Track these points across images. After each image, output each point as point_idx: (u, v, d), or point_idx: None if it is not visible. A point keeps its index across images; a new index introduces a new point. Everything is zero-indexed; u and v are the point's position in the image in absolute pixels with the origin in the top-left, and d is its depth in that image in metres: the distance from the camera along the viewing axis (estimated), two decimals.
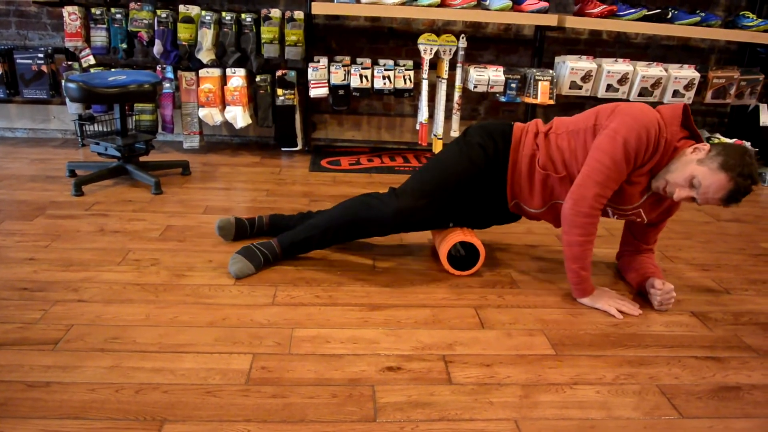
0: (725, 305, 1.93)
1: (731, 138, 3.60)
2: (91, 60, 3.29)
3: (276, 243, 2.01)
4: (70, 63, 3.30)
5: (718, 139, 3.57)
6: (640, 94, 3.47)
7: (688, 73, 3.47)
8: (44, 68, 3.29)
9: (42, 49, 3.31)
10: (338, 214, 1.98)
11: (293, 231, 2.03)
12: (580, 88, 3.45)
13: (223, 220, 2.17)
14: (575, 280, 1.85)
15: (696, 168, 1.70)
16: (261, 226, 2.22)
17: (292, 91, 3.40)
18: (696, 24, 3.47)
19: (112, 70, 3.18)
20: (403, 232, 2.02)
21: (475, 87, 3.39)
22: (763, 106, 3.74)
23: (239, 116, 3.33)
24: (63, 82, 2.97)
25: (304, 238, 2.01)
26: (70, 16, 3.20)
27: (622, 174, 1.76)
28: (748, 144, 3.52)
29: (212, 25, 3.23)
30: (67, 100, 3.39)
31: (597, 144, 1.77)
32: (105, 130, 2.97)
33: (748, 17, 3.58)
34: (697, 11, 3.52)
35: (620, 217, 1.95)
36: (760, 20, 3.54)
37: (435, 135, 3.59)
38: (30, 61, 3.28)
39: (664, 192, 1.78)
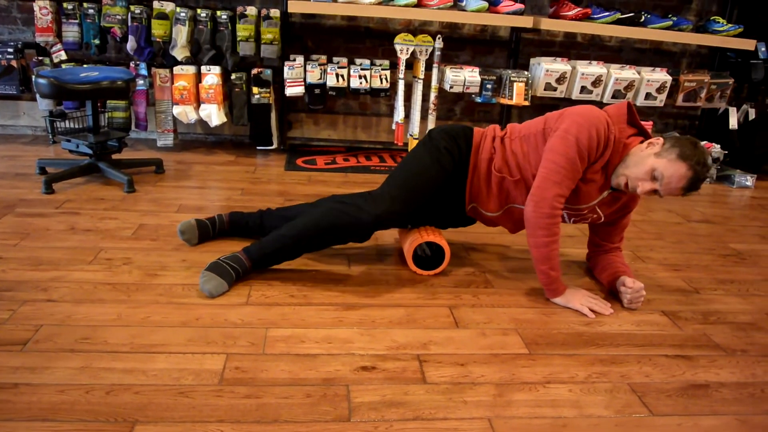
0: (695, 305, 1.97)
1: (702, 140, 3.66)
2: (63, 55, 3.24)
3: (244, 256, 1.89)
4: (40, 58, 3.24)
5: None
6: (613, 96, 3.52)
7: (660, 76, 3.53)
8: (14, 63, 3.22)
9: (12, 43, 3.24)
10: (312, 224, 1.89)
11: (261, 243, 1.91)
12: (555, 89, 3.48)
13: (184, 223, 2.12)
14: (546, 281, 1.87)
15: (655, 161, 1.75)
16: (222, 225, 2.19)
17: (268, 90, 3.38)
18: (668, 28, 3.53)
19: (84, 66, 3.13)
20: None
21: (451, 87, 3.41)
22: (732, 110, 3.82)
23: (214, 114, 3.31)
24: (33, 77, 2.91)
25: (275, 250, 1.90)
26: (41, 10, 3.14)
27: (578, 172, 1.79)
28: (718, 147, 3.59)
29: (187, 22, 3.20)
30: (37, 96, 3.33)
31: (550, 146, 1.81)
32: (77, 127, 2.92)
33: (719, 22, 3.65)
34: (669, 15, 3.58)
35: (577, 221, 1.99)
36: (730, 25, 3.61)
37: (411, 135, 3.59)
38: None
39: (626, 188, 1.81)
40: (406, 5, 3.25)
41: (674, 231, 2.69)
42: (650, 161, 1.76)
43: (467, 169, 1.99)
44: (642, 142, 1.83)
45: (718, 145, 3.60)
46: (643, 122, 3.38)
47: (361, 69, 3.40)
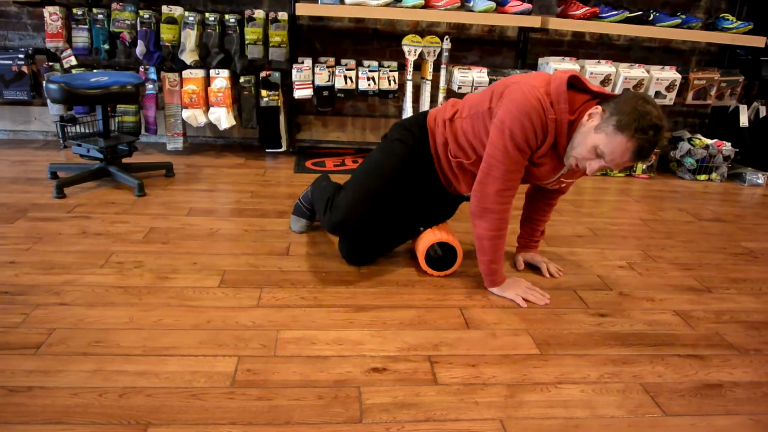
0: (707, 304, 1.95)
1: (712, 139, 3.64)
2: (73, 61, 3.26)
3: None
4: (51, 64, 3.26)
5: (700, 140, 3.61)
6: None
7: (670, 74, 3.51)
8: (25, 69, 3.25)
9: (22, 49, 3.27)
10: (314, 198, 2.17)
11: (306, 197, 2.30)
12: None
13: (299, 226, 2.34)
14: (485, 271, 1.90)
15: (595, 137, 1.65)
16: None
17: (277, 93, 3.39)
18: (677, 26, 3.50)
19: (94, 71, 3.15)
20: (371, 238, 2.06)
21: (459, 88, 3.40)
22: (742, 107, 3.79)
23: (223, 117, 3.32)
24: (44, 83, 2.93)
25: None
26: (51, 16, 3.16)
27: (519, 163, 1.76)
28: (729, 145, 3.56)
29: (196, 26, 3.21)
30: (48, 101, 3.35)
31: (490, 138, 1.77)
32: (87, 131, 2.94)
33: (728, 19, 3.62)
34: (678, 13, 3.56)
35: (554, 187, 1.99)
36: (740, 22, 3.59)
37: None
38: (10, 62, 3.24)
39: (578, 168, 1.77)
40: (413, 6, 3.25)
41: (685, 230, 2.68)
42: (591, 138, 1.65)
43: (430, 154, 1.99)
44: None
45: (729, 143, 3.58)
46: None
47: (369, 71, 3.40)
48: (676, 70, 3.54)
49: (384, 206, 2.00)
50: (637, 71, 3.47)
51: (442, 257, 2.08)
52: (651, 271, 2.18)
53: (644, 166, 3.54)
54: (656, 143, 1.61)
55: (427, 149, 2.00)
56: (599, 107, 1.67)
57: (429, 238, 2.01)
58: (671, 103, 3.59)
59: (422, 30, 3.72)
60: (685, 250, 2.43)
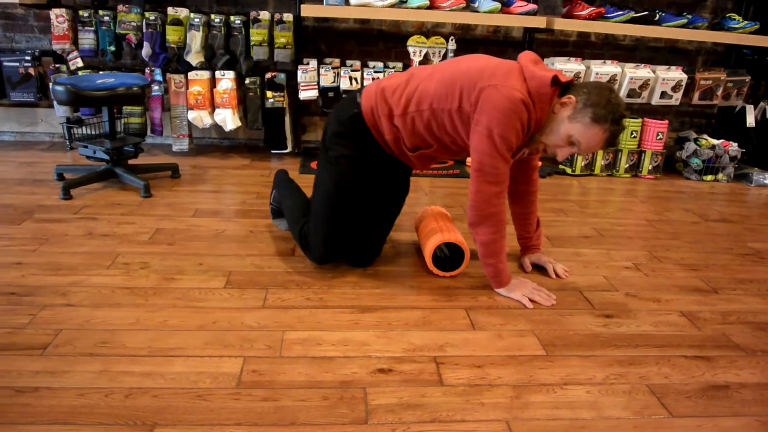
0: (713, 305, 1.95)
1: (718, 139, 3.63)
2: (79, 63, 3.27)
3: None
4: (57, 66, 3.28)
5: (706, 140, 3.60)
6: (628, 95, 3.50)
7: (676, 74, 3.50)
8: (31, 71, 3.27)
9: (29, 51, 3.29)
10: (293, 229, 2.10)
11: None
12: None
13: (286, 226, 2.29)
14: (493, 273, 1.89)
15: (570, 126, 1.72)
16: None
17: (282, 94, 3.39)
18: (683, 26, 3.50)
19: (100, 72, 3.16)
20: (361, 244, 2.06)
21: None
22: (749, 107, 3.78)
23: (229, 119, 3.33)
24: (51, 84, 2.95)
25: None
26: (58, 18, 3.18)
27: (509, 162, 1.78)
28: (735, 145, 3.55)
29: (201, 28, 3.22)
30: (54, 103, 3.37)
31: (476, 146, 1.74)
32: (93, 133, 2.96)
33: (735, 19, 3.61)
34: (684, 13, 3.55)
35: None
36: (746, 22, 3.58)
37: None
38: (17, 64, 3.26)
39: (545, 151, 1.81)
40: (418, 7, 3.25)
41: (691, 230, 2.67)
42: (565, 127, 1.73)
43: (379, 147, 1.97)
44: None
45: (736, 144, 3.56)
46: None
47: (375, 71, 3.41)
48: (682, 70, 3.53)
49: (357, 219, 2.01)
50: (643, 71, 3.47)
51: (449, 258, 2.08)
52: (657, 272, 2.17)
53: (650, 167, 3.53)
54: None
55: (375, 145, 1.96)
56: (572, 97, 1.72)
57: (436, 238, 2.01)
58: (677, 103, 3.58)
59: (427, 31, 3.73)
60: (692, 250, 2.42)
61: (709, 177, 3.60)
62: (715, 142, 3.57)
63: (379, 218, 2.11)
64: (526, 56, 1.80)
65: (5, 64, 3.26)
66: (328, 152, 1.98)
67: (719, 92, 3.61)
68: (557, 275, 2.07)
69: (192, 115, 3.32)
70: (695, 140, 3.62)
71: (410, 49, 3.36)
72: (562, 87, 1.77)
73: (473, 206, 1.81)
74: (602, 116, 1.68)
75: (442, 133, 1.86)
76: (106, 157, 2.75)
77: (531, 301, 1.87)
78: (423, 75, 1.88)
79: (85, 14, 3.22)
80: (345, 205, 1.96)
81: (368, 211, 2.06)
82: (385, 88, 1.92)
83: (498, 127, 1.69)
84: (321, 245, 1.97)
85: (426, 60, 3.44)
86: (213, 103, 3.35)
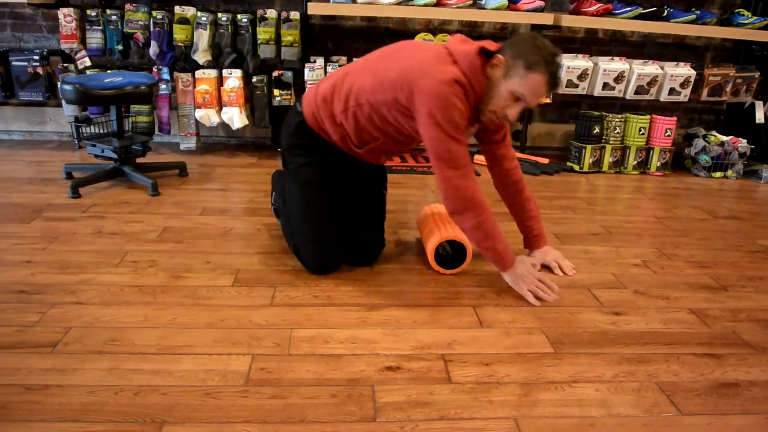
0: (723, 302, 1.94)
1: (727, 136, 3.60)
2: (87, 62, 3.28)
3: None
4: (65, 65, 3.29)
5: (715, 137, 3.58)
6: (636, 92, 3.48)
7: (684, 70, 3.48)
8: (40, 70, 3.28)
9: (37, 51, 3.30)
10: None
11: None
12: (577, 86, 3.46)
13: None
14: (493, 257, 1.86)
15: (508, 84, 1.72)
16: None
17: (289, 92, 3.40)
18: (691, 22, 3.48)
19: (108, 71, 3.17)
20: (354, 243, 2.05)
21: None
22: (758, 104, 3.75)
23: (236, 117, 3.33)
24: (59, 84, 2.96)
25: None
26: (66, 17, 3.19)
27: (463, 143, 1.77)
28: (744, 142, 3.53)
29: (208, 26, 3.23)
30: (63, 102, 3.38)
31: (425, 136, 1.76)
32: (101, 131, 2.97)
33: (743, 15, 3.59)
34: (693, 9, 3.53)
35: None
36: (755, 18, 3.55)
37: None
38: (25, 64, 3.27)
39: (500, 120, 1.80)
40: (425, 5, 3.24)
41: (700, 227, 2.65)
42: (503, 87, 1.72)
43: (335, 147, 1.99)
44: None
45: (745, 140, 3.54)
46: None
47: None
48: (691, 67, 3.51)
49: (339, 221, 2.01)
50: (651, 68, 3.45)
51: (451, 255, 2.08)
52: (666, 269, 2.16)
53: (659, 164, 3.51)
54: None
55: (327, 146, 1.99)
56: (499, 57, 1.73)
57: (438, 236, 2.00)
58: (686, 99, 3.56)
59: (434, 28, 3.72)
60: (701, 248, 2.41)
61: (718, 174, 3.58)
62: (724, 138, 3.55)
63: (364, 216, 2.09)
64: (454, 39, 1.82)
65: (14, 63, 3.27)
66: (288, 167, 2.03)
67: (728, 88, 3.59)
68: (563, 273, 2.07)
69: (199, 113, 3.33)
70: (704, 137, 3.60)
71: None
72: (491, 54, 1.77)
73: (445, 196, 1.81)
74: (535, 62, 1.68)
75: (385, 125, 1.87)
76: (114, 155, 2.76)
77: (536, 297, 1.86)
78: (357, 70, 1.89)
79: (93, 13, 3.23)
80: (320, 211, 1.95)
81: (348, 210, 2.06)
82: (323, 90, 1.94)
83: (440, 112, 1.70)
84: (313, 258, 1.95)
85: None
86: (220, 101, 3.36)
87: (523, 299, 1.86)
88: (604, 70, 3.41)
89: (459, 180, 1.77)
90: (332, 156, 2.01)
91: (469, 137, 1.87)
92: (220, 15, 3.25)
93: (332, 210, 1.99)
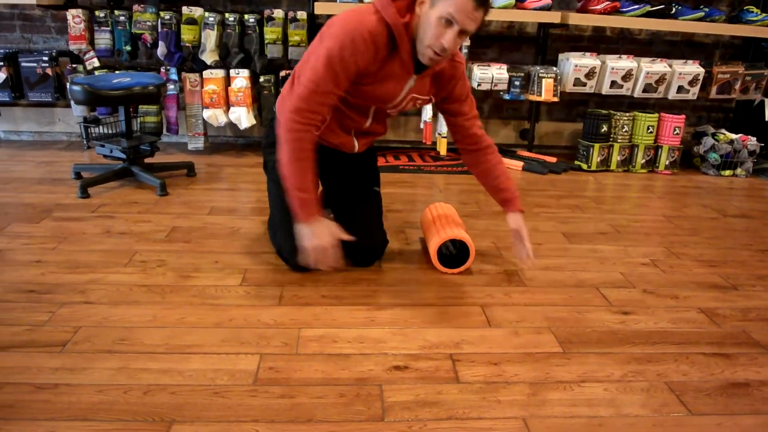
0: (733, 301, 1.92)
1: (736, 134, 3.58)
2: (96, 62, 3.30)
3: None
4: (74, 66, 3.30)
5: (724, 135, 3.55)
6: (644, 90, 3.46)
7: (693, 68, 3.46)
8: (49, 71, 3.30)
9: (46, 52, 3.32)
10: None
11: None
12: (584, 84, 3.44)
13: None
14: (294, 201, 1.76)
15: (434, 11, 1.63)
16: None
17: None
18: (700, 19, 3.46)
19: (117, 72, 3.18)
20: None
21: (479, 85, 3.39)
22: None
23: (243, 117, 3.34)
24: (68, 84, 2.97)
25: None
26: (74, 19, 3.21)
27: (330, 86, 1.71)
28: (754, 139, 3.50)
29: (216, 27, 3.23)
30: (71, 102, 3.40)
31: (307, 52, 1.79)
32: (110, 132, 2.98)
33: (753, 12, 3.56)
34: (701, 6, 3.51)
35: (395, 112, 1.96)
36: (765, 14, 3.53)
37: (439, 134, 3.59)
38: (35, 65, 3.29)
39: (439, 55, 1.70)
40: None
41: (709, 226, 2.64)
42: (431, 15, 1.64)
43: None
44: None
45: (754, 138, 3.52)
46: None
47: None
48: (699, 64, 3.49)
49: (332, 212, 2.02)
50: (659, 66, 3.43)
51: (454, 255, 2.07)
52: (675, 268, 2.15)
53: (667, 162, 3.50)
54: None
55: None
56: None
57: (441, 235, 2.00)
58: (694, 97, 3.54)
59: None
60: (710, 246, 2.39)
61: (728, 172, 3.56)
62: (733, 136, 3.53)
63: (356, 215, 2.06)
64: None
65: (23, 64, 3.29)
66: (267, 166, 2.04)
67: (737, 86, 3.57)
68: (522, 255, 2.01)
69: (207, 113, 3.34)
70: (713, 135, 3.58)
71: None
72: None
73: (278, 112, 1.83)
74: None
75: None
76: (123, 155, 2.77)
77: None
78: (306, 60, 1.85)
79: (101, 14, 3.24)
80: None
81: (339, 210, 2.07)
82: (290, 84, 1.94)
83: (330, 41, 1.68)
84: (292, 254, 1.92)
85: None
86: (228, 101, 3.37)
87: (533, 300, 1.86)
88: (612, 69, 3.40)
89: (291, 113, 1.71)
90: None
91: (402, 93, 1.84)
92: (227, 15, 3.26)
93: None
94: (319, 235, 1.78)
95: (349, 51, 1.68)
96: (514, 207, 2.03)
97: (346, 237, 1.84)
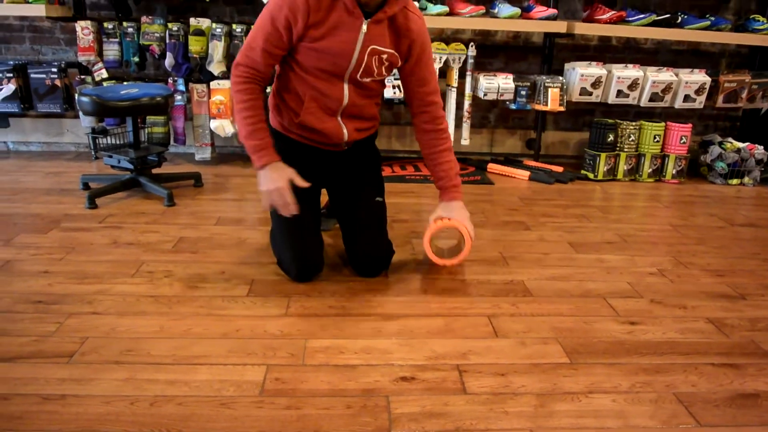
0: (741, 311, 1.91)
1: (743, 142, 3.57)
2: (104, 73, 3.32)
3: None
4: (83, 77, 3.33)
5: (731, 143, 3.54)
6: (650, 99, 3.46)
7: (699, 77, 3.46)
8: (58, 82, 3.33)
9: (55, 63, 3.35)
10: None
11: None
12: (591, 94, 3.45)
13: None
14: (249, 151, 1.86)
15: None
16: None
17: None
18: (706, 28, 3.46)
19: (125, 83, 3.21)
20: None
21: (485, 95, 3.40)
22: None
23: None
24: (76, 95, 3.00)
25: None
26: (83, 30, 3.24)
27: (271, 41, 1.80)
28: (761, 148, 3.49)
29: (223, 38, 3.25)
30: (80, 113, 3.42)
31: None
32: (118, 142, 3.00)
33: (759, 20, 3.56)
34: (707, 15, 3.51)
35: (368, 77, 1.93)
36: None
37: None
38: (44, 76, 3.32)
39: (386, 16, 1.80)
40: (438, 14, 3.25)
41: (717, 235, 2.63)
42: None
43: (303, 144, 2.00)
44: None
45: (762, 147, 3.51)
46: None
47: (395, 79, 3.41)
48: (706, 73, 3.49)
49: (316, 227, 2.03)
50: (666, 75, 3.43)
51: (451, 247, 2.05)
52: (683, 278, 2.14)
53: (674, 171, 3.49)
54: None
55: (294, 145, 1.99)
56: None
57: (432, 228, 1.97)
58: (701, 106, 3.54)
59: (447, 37, 3.73)
60: (718, 256, 2.38)
61: (735, 181, 3.54)
62: (740, 145, 3.52)
63: (359, 225, 2.05)
64: None
65: (32, 76, 3.32)
66: None
67: (744, 95, 3.56)
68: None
69: (214, 124, 3.36)
70: (720, 143, 3.57)
71: None
72: None
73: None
74: None
75: (285, 62, 1.92)
76: (131, 166, 2.79)
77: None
78: None
79: (110, 26, 3.27)
80: (294, 220, 1.91)
81: (342, 220, 2.08)
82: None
83: (270, 3, 1.79)
84: (293, 266, 1.95)
85: (446, 66, 3.44)
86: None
87: (540, 310, 1.86)
88: (618, 78, 3.40)
89: (235, 67, 1.84)
90: (302, 157, 2.00)
91: (358, 43, 1.83)
92: (234, 26, 3.28)
93: (306, 218, 1.96)
94: (273, 178, 1.83)
95: (287, 6, 1.75)
96: (446, 196, 2.03)
97: (300, 181, 1.87)
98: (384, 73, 1.93)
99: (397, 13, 1.85)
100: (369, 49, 1.85)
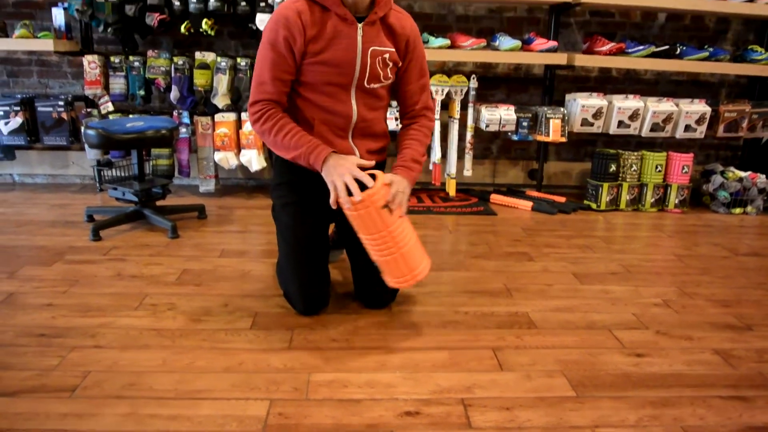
0: (748, 342, 1.90)
1: (745, 171, 3.58)
2: (110, 107, 3.36)
3: None
4: (89, 110, 3.37)
5: (733, 173, 3.55)
6: (651, 130, 3.48)
7: (699, 107, 3.48)
8: (64, 115, 3.36)
9: (62, 96, 3.39)
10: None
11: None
12: (592, 124, 3.47)
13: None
14: (304, 162, 1.83)
15: None
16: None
17: None
18: (705, 59, 3.50)
19: (130, 116, 3.24)
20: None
21: (487, 126, 3.42)
22: None
23: (254, 159, 3.37)
24: (82, 128, 3.03)
25: None
26: (90, 64, 3.28)
27: (279, 67, 1.82)
28: (763, 177, 3.50)
29: (227, 71, 3.30)
30: (85, 146, 3.45)
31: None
32: (123, 175, 3.02)
33: (757, 51, 3.60)
34: (706, 46, 3.55)
35: (376, 83, 1.93)
36: None
37: (448, 175, 3.61)
38: (50, 109, 3.36)
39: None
40: (440, 47, 3.29)
41: (722, 265, 2.62)
42: None
43: (312, 174, 1.91)
44: None
45: (764, 176, 3.51)
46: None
47: (396, 109, 3.44)
48: (706, 103, 3.51)
49: (323, 262, 2.01)
50: (666, 105, 3.46)
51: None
52: (688, 309, 2.13)
53: (677, 201, 3.49)
54: None
55: (305, 175, 1.92)
56: None
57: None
58: (702, 136, 3.55)
59: (449, 69, 3.77)
60: (723, 286, 2.37)
61: (738, 210, 3.54)
62: (742, 174, 3.53)
63: (366, 254, 1.97)
64: None
65: (39, 109, 3.36)
66: (274, 208, 2.06)
67: (744, 124, 3.58)
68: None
69: (218, 156, 3.38)
70: (722, 173, 3.58)
71: (432, 88, 3.39)
72: None
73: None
74: None
75: (294, 87, 1.92)
76: (135, 198, 2.80)
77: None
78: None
79: (116, 60, 3.32)
80: (301, 253, 1.93)
81: (350, 252, 2.06)
82: None
83: (265, 33, 1.82)
84: (299, 299, 1.94)
85: (448, 99, 3.47)
86: (239, 144, 3.41)
87: (545, 342, 1.84)
88: (619, 108, 3.43)
89: (252, 105, 1.86)
90: (315, 191, 1.94)
91: (358, 45, 1.84)
92: (239, 60, 3.33)
93: (314, 251, 1.96)
94: (340, 164, 1.79)
95: (282, 28, 1.77)
96: (396, 170, 1.92)
97: (366, 163, 1.85)
98: (389, 75, 1.93)
99: (387, 13, 1.89)
100: (370, 50, 1.87)
